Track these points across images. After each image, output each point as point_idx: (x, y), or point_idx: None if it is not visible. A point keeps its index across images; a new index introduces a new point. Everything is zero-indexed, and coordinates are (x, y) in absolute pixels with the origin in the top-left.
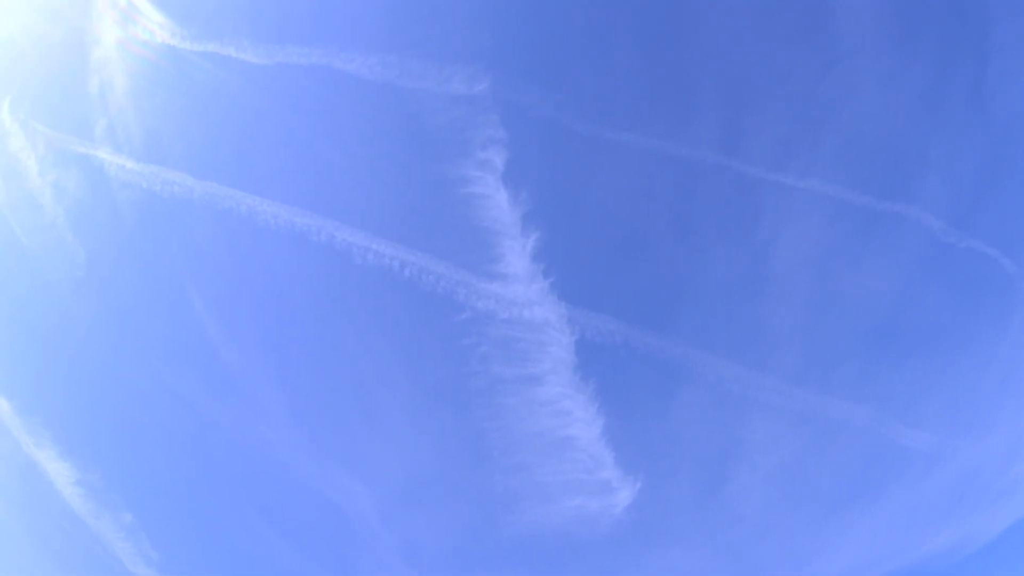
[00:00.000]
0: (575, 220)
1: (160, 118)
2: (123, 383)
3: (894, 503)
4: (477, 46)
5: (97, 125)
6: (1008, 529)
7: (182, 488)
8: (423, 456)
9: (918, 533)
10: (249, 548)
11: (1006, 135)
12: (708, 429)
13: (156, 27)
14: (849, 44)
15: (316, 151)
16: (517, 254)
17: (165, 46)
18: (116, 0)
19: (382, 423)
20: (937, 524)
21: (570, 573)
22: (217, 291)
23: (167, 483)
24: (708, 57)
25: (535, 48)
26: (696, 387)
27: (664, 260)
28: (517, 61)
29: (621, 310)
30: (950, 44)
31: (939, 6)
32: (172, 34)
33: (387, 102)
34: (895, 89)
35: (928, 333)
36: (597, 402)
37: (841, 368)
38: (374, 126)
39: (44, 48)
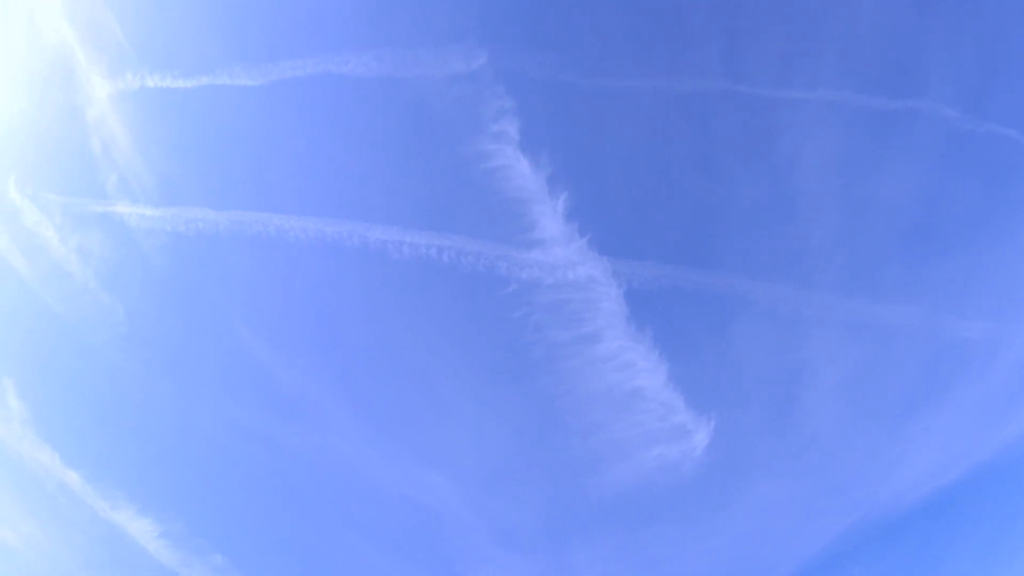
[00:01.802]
0: (599, 173)
1: (169, 160)
2: (188, 427)
3: (962, 398)
4: (467, 23)
5: (108, 182)
6: None
7: (268, 518)
8: (497, 436)
9: (990, 424)
10: (346, 564)
11: (1005, 15)
12: (769, 354)
13: (145, 73)
14: None
15: (331, 158)
16: (549, 218)
17: (158, 89)
18: (100, 57)
19: (451, 412)
20: (1007, 413)
21: (662, 523)
22: (262, 316)
23: (251, 517)
24: None
25: (524, 13)
26: (750, 315)
27: (693, 195)
28: (509, 29)
29: (662, 253)
30: None
31: None
32: (163, 76)
33: (390, 95)
34: None
35: (964, 222)
36: (657, 349)
37: (886, 272)
38: (382, 121)
39: (39, 120)
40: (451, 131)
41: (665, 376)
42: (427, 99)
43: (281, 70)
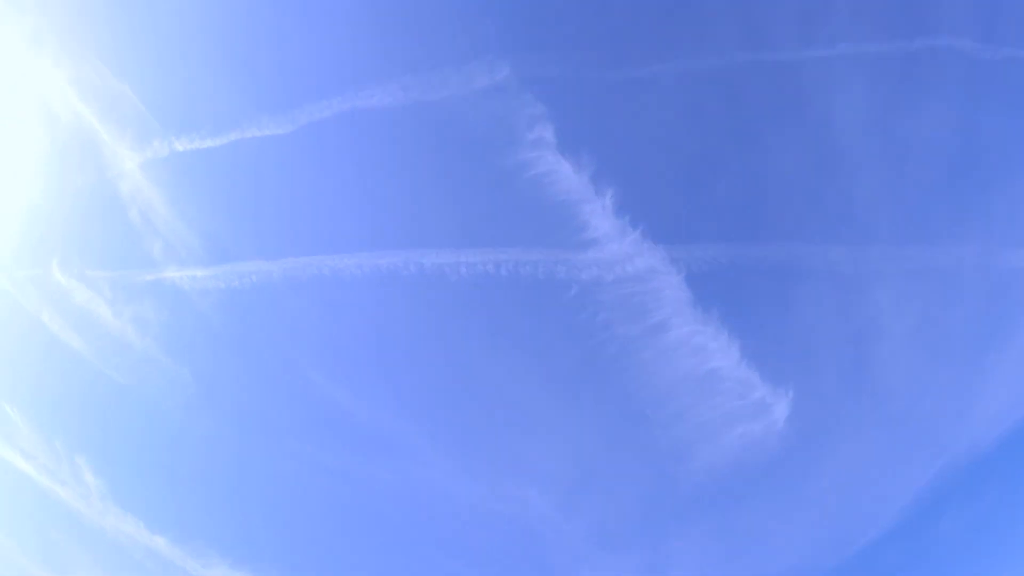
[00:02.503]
0: (640, 163)
1: (212, 219)
2: (271, 476)
3: None
4: (483, 37)
5: (153, 250)
6: None
7: (364, 555)
8: (581, 438)
9: None
10: None
11: None
12: (834, 315)
13: (172, 139)
14: None
15: (373, 191)
16: (600, 216)
17: (188, 152)
18: (123, 131)
19: (532, 422)
20: None
21: (755, 500)
22: (331, 357)
23: (348, 556)
24: None
25: (537, 18)
26: (810, 279)
27: (736, 169)
28: (526, 37)
29: (715, 232)
30: None
31: None
32: (191, 139)
33: (421, 120)
34: None
35: (1000, 151)
36: (726, 328)
37: (935, 214)
38: (418, 147)
39: (73, 201)
40: (488, 146)
41: (737, 354)
42: (458, 118)
43: (308, 114)
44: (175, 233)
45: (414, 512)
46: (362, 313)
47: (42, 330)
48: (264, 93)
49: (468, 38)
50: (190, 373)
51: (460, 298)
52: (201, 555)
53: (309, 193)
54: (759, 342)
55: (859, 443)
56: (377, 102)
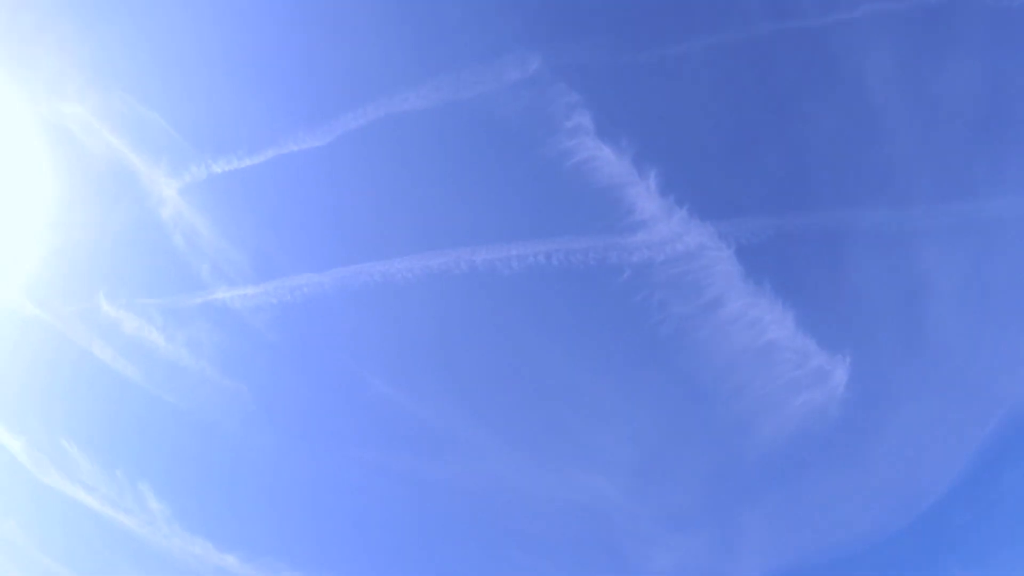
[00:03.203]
0: (680, 142)
1: (257, 236)
2: (338, 485)
3: None
4: (511, 31)
5: (201, 272)
6: None
7: (440, 558)
8: (644, 421)
9: None
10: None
11: None
12: (885, 277)
13: (209, 161)
14: None
15: (416, 193)
16: (645, 197)
17: (227, 173)
18: (158, 158)
19: (595, 409)
20: None
21: (820, 468)
22: (389, 362)
23: (421, 556)
24: None
25: (562, 6)
26: (857, 243)
27: (774, 140)
28: (552, 25)
29: (761, 204)
30: None
31: None
32: (228, 160)
33: (458, 119)
34: None
35: None
36: (779, 299)
37: (974, 167)
38: (457, 145)
39: (114, 233)
40: (527, 138)
41: (793, 324)
42: (495, 113)
43: (344, 123)
44: (221, 254)
45: (486, 509)
46: (417, 316)
47: (94, 362)
48: (298, 107)
49: (496, 33)
50: (248, 391)
51: (513, 292)
52: (272, 570)
53: (352, 202)
54: (812, 310)
55: (918, 404)
56: (411, 105)
